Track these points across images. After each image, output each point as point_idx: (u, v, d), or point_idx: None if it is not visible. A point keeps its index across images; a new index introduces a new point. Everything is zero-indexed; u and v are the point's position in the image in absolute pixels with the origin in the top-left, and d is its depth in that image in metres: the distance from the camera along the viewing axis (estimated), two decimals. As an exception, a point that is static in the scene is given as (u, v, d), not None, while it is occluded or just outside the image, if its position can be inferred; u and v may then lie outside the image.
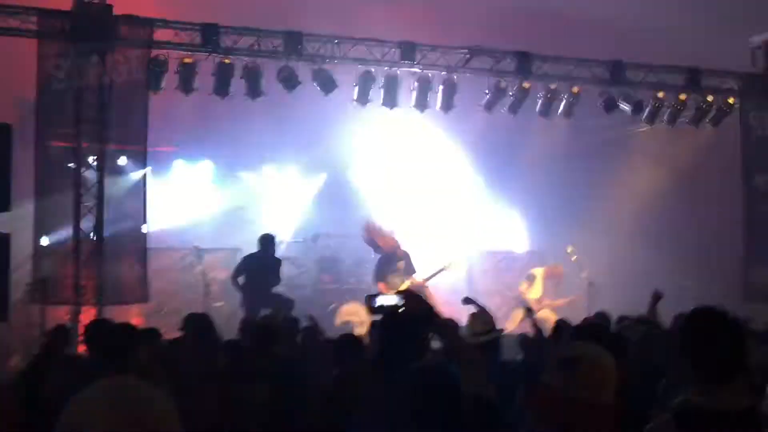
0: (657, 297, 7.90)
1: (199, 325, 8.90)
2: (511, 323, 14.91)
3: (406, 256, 14.66)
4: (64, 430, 2.43)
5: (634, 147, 16.95)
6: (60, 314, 11.75)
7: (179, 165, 16.44)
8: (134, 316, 14.14)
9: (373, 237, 14.59)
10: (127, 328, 5.71)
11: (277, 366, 6.36)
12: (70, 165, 11.79)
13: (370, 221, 14.71)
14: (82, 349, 10.98)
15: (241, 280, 12.46)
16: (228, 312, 14.48)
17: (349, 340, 6.97)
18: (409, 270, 14.58)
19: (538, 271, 15.57)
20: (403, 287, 14.52)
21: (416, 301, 3.55)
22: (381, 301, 3.58)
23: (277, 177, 17.06)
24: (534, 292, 15.41)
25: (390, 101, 13.54)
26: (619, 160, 17.06)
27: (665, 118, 15.16)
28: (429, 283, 14.63)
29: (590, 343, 3.06)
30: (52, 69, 11.52)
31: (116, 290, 11.63)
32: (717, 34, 15.25)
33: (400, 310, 3.50)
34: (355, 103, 13.59)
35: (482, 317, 8.00)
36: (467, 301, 8.82)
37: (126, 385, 2.64)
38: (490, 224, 17.37)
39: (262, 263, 12.30)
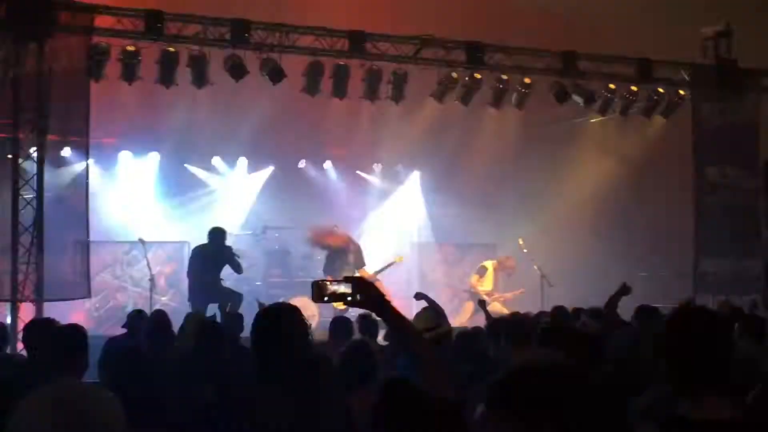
0: (624, 291, 7.75)
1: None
2: (462, 316, 14.84)
3: (356, 250, 14.49)
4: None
5: (586, 138, 16.90)
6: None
7: (124, 157, 15.96)
8: (76, 311, 13.80)
9: (321, 240, 14.41)
10: (75, 330, 5.35)
11: (221, 367, 6.10)
12: (7, 156, 11.30)
13: (312, 228, 14.53)
14: (20, 347, 10.68)
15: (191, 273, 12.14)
16: (172, 308, 14.20)
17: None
18: (359, 263, 14.42)
19: (489, 264, 15.49)
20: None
21: (367, 288, 3.31)
22: (329, 288, 3.32)
23: (224, 169, 16.68)
24: (485, 285, 15.32)
25: (339, 92, 13.29)
26: (571, 152, 17.02)
27: (617, 109, 15.12)
28: (379, 276, 14.49)
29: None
30: (-13, 56, 11.06)
31: (57, 286, 11.18)
32: (668, 25, 15.26)
33: (349, 298, 3.26)
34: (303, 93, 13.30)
35: (427, 313, 7.85)
36: (419, 296, 8.72)
37: (73, 388, 2.87)
38: (441, 217, 17.22)
39: (210, 256, 11.98)
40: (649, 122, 15.66)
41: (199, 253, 12.12)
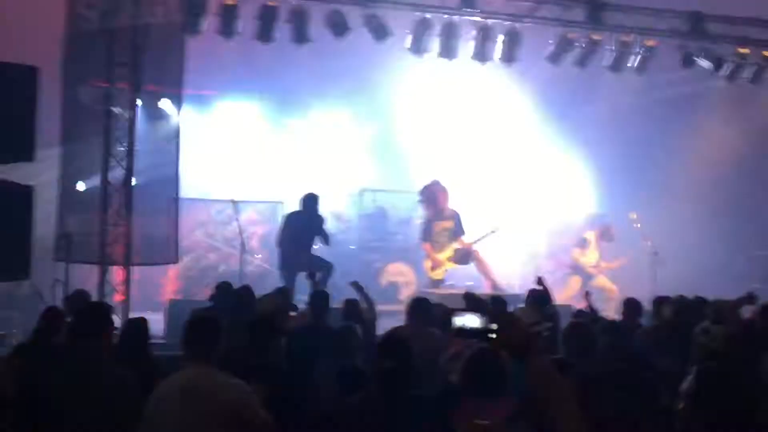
0: (750, 300, 6.98)
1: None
2: (567, 291, 14.08)
3: (455, 216, 13.84)
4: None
5: (712, 107, 15.65)
6: (86, 273, 11.17)
7: (222, 106, 15.50)
8: (169, 270, 13.62)
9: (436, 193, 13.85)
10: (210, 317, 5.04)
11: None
12: (100, 110, 10.96)
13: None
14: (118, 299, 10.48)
15: (282, 240, 11.69)
16: (264, 270, 13.90)
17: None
18: (458, 231, 13.78)
19: (591, 235, 14.61)
20: (450, 250, 13.73)
21: (510, 329, 2.69)
22: (462, 321, 2.74)
23: (324, 124, 16.07)
24: (589, 257, 14.50)
25: (447, 52, 12.49)
26: (694, 121, 15.80)
27: (748, 75, 13.91)
28: (477, 246, 13.83)
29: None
30: (82, 8, 10.67)
31: (146, 249, 10.91)
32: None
33: (490, 336, 2.67)
34: (409, 52, 12.57)
35: (527, 309, 7.33)
36: (540, 281, 8.31)
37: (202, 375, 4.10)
38: (549, 184, 16.30)
39: (302, 223, 11.48)
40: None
41: (290, 220, 11.63)
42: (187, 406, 4.24)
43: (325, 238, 11.54)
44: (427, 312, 7.00)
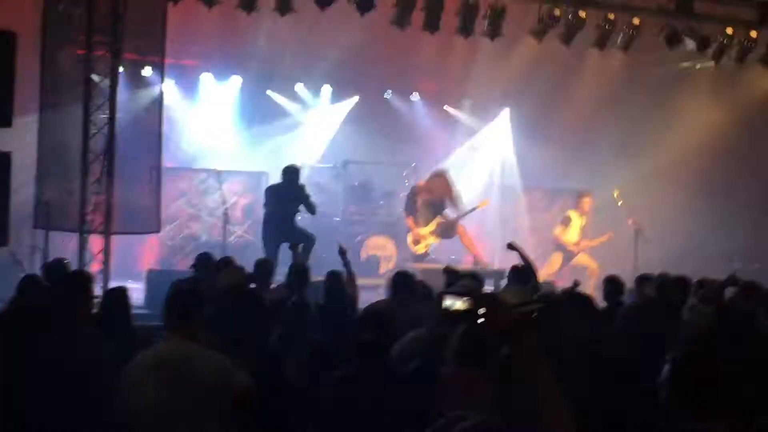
0: (733, 281, 7.01)
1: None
2: (550, 267, 14.10)
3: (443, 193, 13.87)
4: None
5: (694, 86, 15.64)
6: (65, 241, 11.07)
7: (206, 80, 15.35)
8: (150, 239, 13.53)
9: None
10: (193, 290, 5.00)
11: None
12: (80, 77, 10.78)
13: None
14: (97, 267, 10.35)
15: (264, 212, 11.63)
16: (246, 240, 13.84)
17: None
18: (441, 206, 13.79)
19: (574, 214, 14.60)
20: (433, 224, 13.72)
21: (497, 311, 2.64)
22: (449, 303, 2.69)
23: (307, 97, 15.97)
24: (570, 236, 14.49)
25: (431, 25, 12.36)
26: (677, 100, 15.79)
27: (733, 56, 13.86)
28: (462, 221, 13.84)
29: None
30: (61, -26, 10.50)
31: (127, 218, 10.78)
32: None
33: (476, 319, 2.62)
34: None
35: (515, 290, 7.28)
36: (511, 247, 8.27)
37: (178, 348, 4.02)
38: (530, 159, 16.26)
39: (284, 195, 11.41)
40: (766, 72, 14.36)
41: (271, 191, 11.56)
42: (165, 378, 4.19)
43: (310, 208, 11.48)
44: (410, 286, 6.97)
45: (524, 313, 2.71)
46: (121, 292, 6.05)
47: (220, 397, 4.19)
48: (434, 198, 13.81)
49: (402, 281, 7.08)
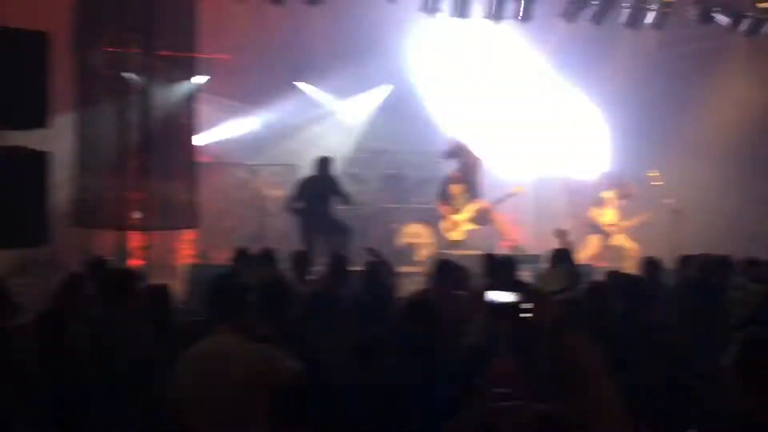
0: None
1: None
2: (588, 251, 13.97)
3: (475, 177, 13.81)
4: None
5: (732, 62, 15.40)
6: (105, 238, 11.16)
7: (237, 69, 15.33)
8: (184, 233, 13.58)
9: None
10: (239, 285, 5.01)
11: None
12: (114, 76, 10.86)
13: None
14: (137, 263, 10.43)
15: (298, 204, 11.65)
16: (282, 232, 13.85)
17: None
18: (476, 192, 13.72)
19: (608, 194, 14.43)
20: (469, 211, 13.66)
21: (544, 306, 2.67)
22: (495, 296, 2.72)
23: (339, 87, 15.94)
24: (606, 216, 14.34)
25: (461, 11, 12.31)
26: (714, 77, 15.56)
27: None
28: (496, 207, 13.77)
29: None
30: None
31: (164, 214, 10.87)
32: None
33: (522, 314, 2.65)
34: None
35: (558, 272, 7.24)
36: (560, 234, 8.12)
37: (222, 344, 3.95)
38: (566, 143, 16.14)
39: (317, 186, 11.43)
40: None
41: (305, 184, 11.58)
42: (215, 372, 4.21)
43: (345, 198, 11.47)
44: (452, 274, 6.94)
45: (564, 300, 2.73)
46: (163, 289, 6.09)
47: (269, 387, 4.20)
48: (468, 177, 13.73)
49: (445, 269, 7.05)
